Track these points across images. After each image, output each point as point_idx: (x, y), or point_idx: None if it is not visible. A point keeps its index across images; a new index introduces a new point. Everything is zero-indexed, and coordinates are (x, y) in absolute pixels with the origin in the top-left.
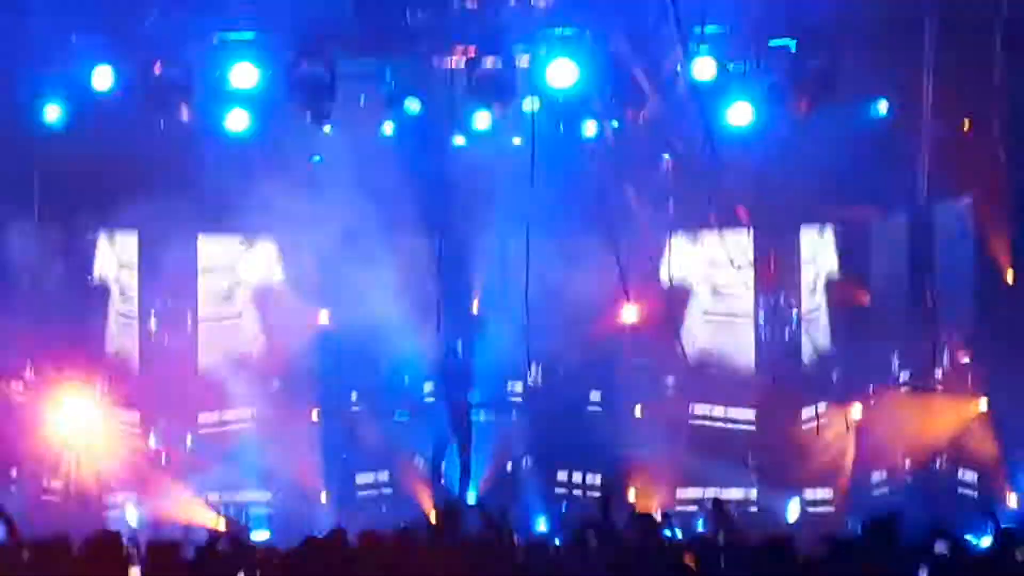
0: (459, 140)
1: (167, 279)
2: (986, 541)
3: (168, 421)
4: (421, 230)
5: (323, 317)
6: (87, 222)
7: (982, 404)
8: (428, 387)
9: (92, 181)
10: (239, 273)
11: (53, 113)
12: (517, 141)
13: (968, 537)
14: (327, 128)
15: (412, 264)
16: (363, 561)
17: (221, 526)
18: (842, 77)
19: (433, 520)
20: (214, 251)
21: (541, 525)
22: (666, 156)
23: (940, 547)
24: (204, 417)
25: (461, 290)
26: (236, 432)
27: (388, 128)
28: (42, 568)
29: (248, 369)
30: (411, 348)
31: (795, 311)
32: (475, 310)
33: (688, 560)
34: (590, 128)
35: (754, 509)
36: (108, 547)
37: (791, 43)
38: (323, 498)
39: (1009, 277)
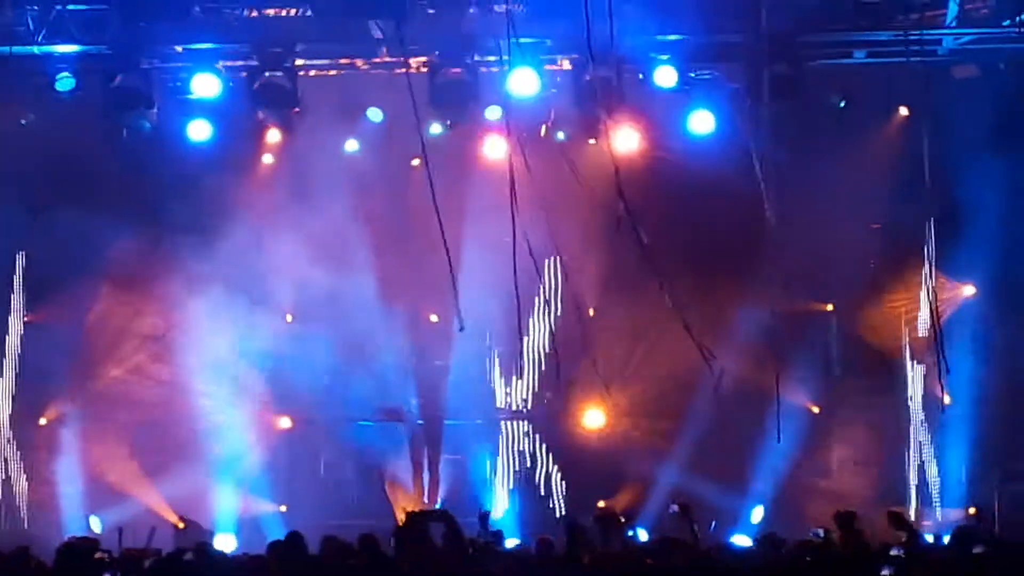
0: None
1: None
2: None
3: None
4: (391, 241)
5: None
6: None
7: None
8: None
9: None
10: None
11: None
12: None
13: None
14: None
15: (381, 276)
16: (325, 566)
17: (186, 533)
18: (805, 81)
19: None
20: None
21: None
22: None
23: (897, 550)
24: (173, 424)
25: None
26: (204, 437)
27: (351, 143)
28: None
29: (220, 376)
30: (386, 359)
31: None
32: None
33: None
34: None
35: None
36: (81, 556)
37: (751, 50)
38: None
39: None
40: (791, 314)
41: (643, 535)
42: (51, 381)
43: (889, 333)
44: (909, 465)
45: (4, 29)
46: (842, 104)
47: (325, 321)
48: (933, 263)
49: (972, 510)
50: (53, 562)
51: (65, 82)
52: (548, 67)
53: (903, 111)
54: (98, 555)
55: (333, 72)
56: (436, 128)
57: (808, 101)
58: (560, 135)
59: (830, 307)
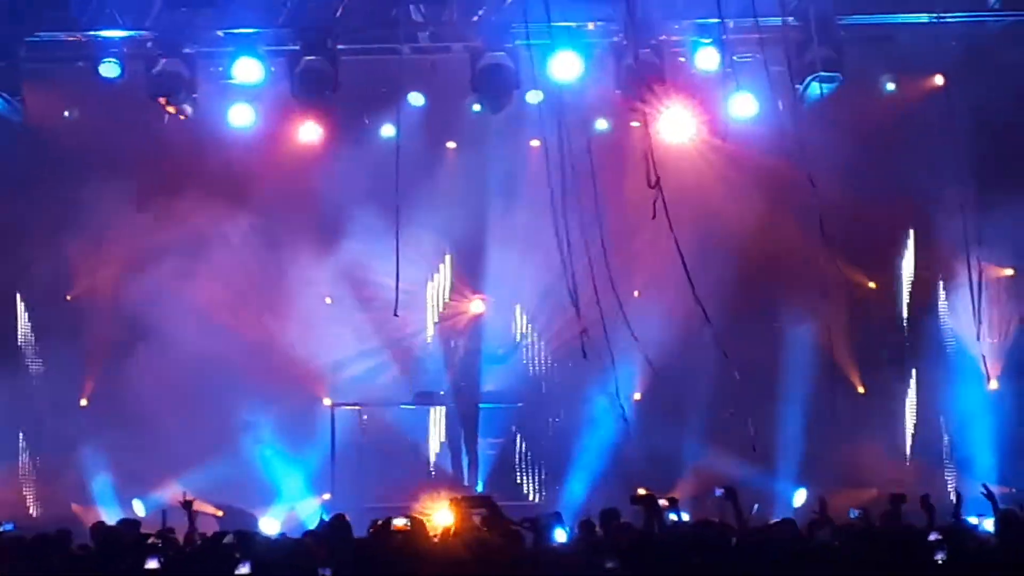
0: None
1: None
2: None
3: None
4: (427, 225)
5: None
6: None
7: None
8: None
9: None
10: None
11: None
12: (535, 143)
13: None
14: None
15: (417, 260)
16: (371, 549)
17: (227, 521)
18: (846, 62)
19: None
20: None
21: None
22: None
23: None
24: (215, 408)
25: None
26: (246, 422)
27: (387, 129)
28: (53, 560)
29: (253, 358)
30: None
31: None
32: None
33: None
34: (601, 124)
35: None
36: (122, 539)
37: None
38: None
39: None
40: (838, 295)
41: (686, 518)
42: (89, 364)
43: (929, 312)
44: (945, 445)
45: (48, 15)
46: (891, 87)
47: (363, 304)
48: (975, 243)
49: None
50: (95, 545)
51: (111, 68)
52: (591, 51)
53: (939, 80)
54: (151, 540)
55: (374, 57)
56: (476, 107)
57: (850, 82)
58: (603, 123)
59: (872, 285)
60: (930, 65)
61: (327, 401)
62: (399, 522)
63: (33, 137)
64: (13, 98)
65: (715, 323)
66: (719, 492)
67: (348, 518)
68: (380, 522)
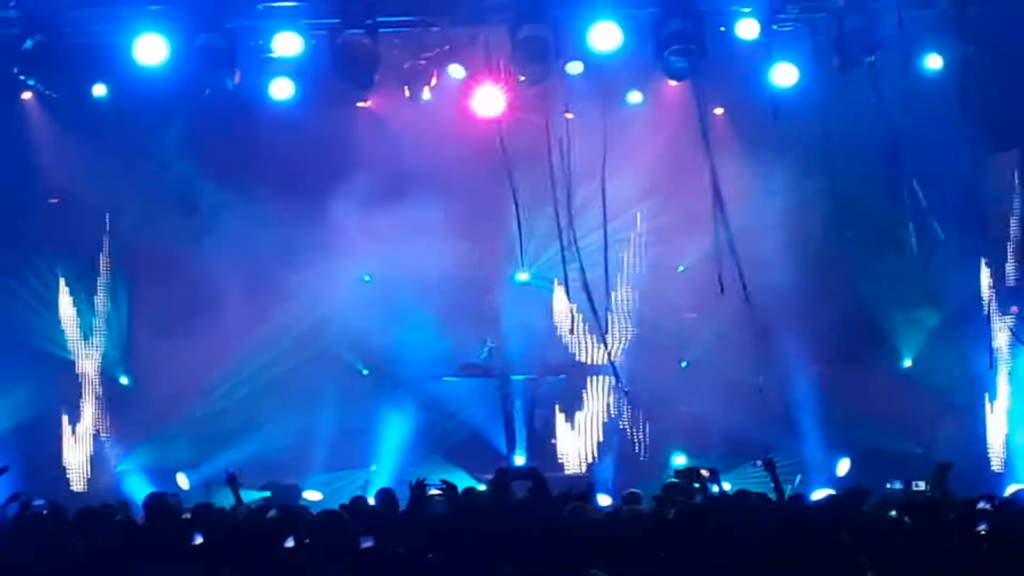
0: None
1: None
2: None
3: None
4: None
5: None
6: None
7: None
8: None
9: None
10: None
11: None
12: (569, 116)
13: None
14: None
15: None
16: (412, 519)
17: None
18: (887, 34)
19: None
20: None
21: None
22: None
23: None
24: (259, 382)
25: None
26: (291, 396)
27: (427, 93)
28: (98, 536)
29: (296, 330)
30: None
31: None
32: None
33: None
34: (635, 96)
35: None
36: (170, 513)
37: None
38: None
39: None
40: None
41: (727, 487)
42: (135, 341)
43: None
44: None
45: None
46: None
47: (404, 279)
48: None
49: None
50: (144, 517)
51: (152, 44)
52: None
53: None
54: (185, 516)
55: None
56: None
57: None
58: (638, 96)
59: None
60: (970, 33)
61: (366, 373)
62: (433, 491)
63: (76, 112)
64: (53, 73)
65: (756, 292)
66: (758, 463)
67: (393, 492)
68: (417, 482)
